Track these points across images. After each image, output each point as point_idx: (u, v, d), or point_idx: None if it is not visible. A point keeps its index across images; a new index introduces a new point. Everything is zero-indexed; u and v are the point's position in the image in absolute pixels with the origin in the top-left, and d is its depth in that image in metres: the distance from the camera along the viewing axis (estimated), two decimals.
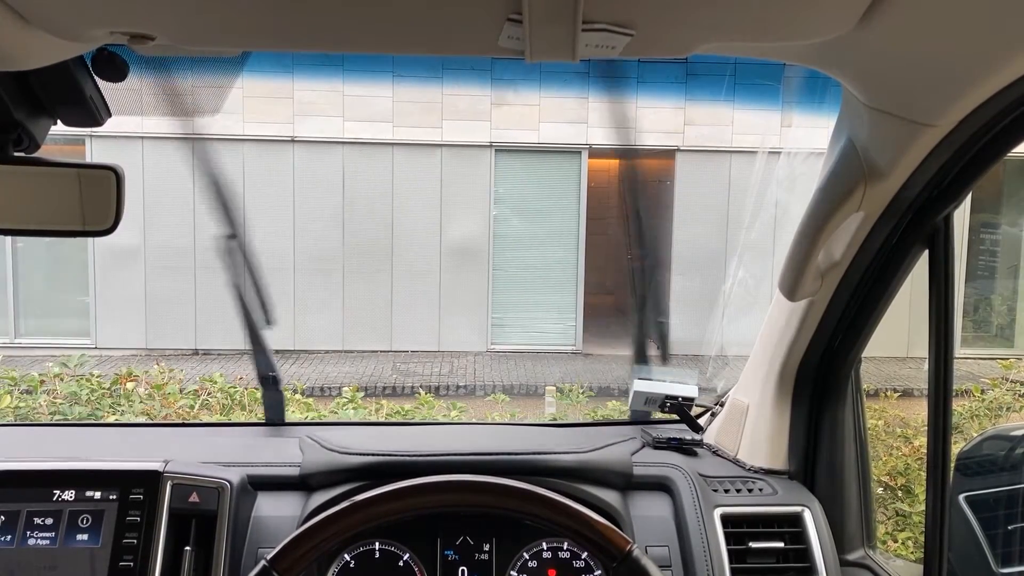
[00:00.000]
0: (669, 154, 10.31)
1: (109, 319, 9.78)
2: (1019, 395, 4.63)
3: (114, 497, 1.33)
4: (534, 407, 6.59)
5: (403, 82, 9.51)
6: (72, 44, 0.91)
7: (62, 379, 4.20)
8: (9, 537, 1.29)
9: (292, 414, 3.97)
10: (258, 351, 1.82)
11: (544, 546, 1.42)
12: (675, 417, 1.75)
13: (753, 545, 1.41)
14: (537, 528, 1.32)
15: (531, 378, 8.85)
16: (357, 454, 1.43)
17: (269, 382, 1.85)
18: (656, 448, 1.65)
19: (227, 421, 3.64)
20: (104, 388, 4.18)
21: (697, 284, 9.85)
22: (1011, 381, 4.72)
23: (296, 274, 10.02)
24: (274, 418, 1.85)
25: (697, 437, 1.70)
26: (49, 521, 1.31)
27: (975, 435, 2.01)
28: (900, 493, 3.74)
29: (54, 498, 1.33)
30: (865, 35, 0.88)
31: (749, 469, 1.58)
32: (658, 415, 1.78)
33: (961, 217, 9.20)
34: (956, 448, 1.56)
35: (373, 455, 1.43)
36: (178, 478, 1.34)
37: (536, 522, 1.13)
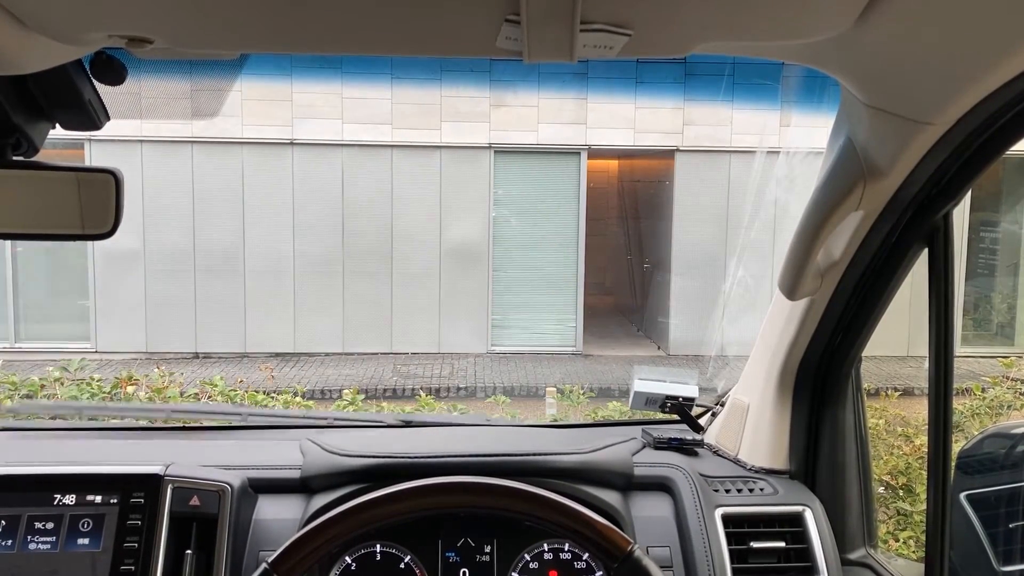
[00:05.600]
0: (668, 154, 10.31)
1: (109, 323, 9.78)
2: (1020, 393, 4.63)
3: (115, 501, 1.33)
4: (535, 408, 6.58)
5: (402, 84, 9.54)
6: (70, 48, 0.91)
7: (63, 383, 4.19)
8: (10, 542, 1.29)
9: None
10: None
11: (545, 547, 1.42)
12: (676, 417, 1.74)
13: (754, 545, 1.41)
14: (538, 529, 1.31)
15: (531, 379, 8.84)
16: (358, 456, 1.43)
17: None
18: (657, 448, 1.64)
19: (227, 424, 3.62)
20: (105, 392, 4.17)
21: (697, 284, 9.87)
22: (1012, 379, 4.72)
23: (296, 276, 10.02)
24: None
25: (698, 437, 1.70)
26: (50, 525, 1.31)
27: (976, 433, 2.01)
28: (901, 492, 3.73)
29: (55, 502, 1.33)
30: (863, 33, 0.88)
31: (750, 469, 1.58)
32: (659, 415, 1.77)
33: (961, 215, 9.20)
34: (957, 447, 1.55)
35: (374, 457, 1.42)
36: (179, 481, 1.34)
37: (537, 523, 1.12)
